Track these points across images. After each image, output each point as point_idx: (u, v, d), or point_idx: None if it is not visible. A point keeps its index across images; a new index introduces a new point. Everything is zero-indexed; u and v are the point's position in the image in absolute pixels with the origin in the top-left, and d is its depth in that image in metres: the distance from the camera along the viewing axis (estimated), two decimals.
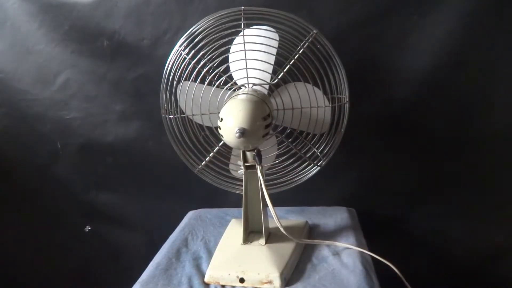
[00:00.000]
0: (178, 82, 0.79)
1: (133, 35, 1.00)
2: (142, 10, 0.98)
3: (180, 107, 0.80)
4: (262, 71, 0.74)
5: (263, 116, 0.66)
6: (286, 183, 0.83)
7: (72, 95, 1.07)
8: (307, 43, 0.74)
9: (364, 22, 0.92)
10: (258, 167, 0.68)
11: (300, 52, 0.74)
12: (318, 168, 0.82)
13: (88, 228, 1.20)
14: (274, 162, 0.83)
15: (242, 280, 0.72)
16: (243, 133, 0.63)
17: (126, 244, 1.20)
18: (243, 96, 0.70)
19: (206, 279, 0.75)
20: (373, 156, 1.02)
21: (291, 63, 0.75)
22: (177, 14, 0.97)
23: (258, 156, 0.69)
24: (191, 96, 0.77)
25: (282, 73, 0.75)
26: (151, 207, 1.16)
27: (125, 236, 1.20)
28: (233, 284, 0.73)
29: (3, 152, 1.16)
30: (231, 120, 0.65)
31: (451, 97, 0.95)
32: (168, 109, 0.81)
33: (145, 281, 0.75)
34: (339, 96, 0.78)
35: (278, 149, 0.82)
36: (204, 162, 0.83)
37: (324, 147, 0.80)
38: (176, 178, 1.11)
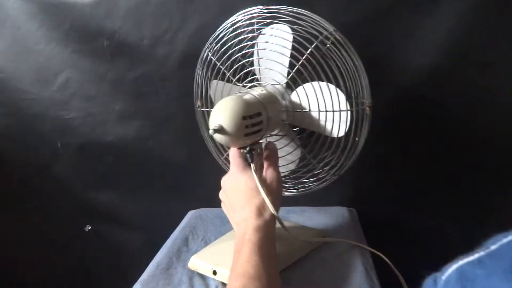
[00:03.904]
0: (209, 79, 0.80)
1: (133, 35, 1.00)
2: (142, 10, 0.98)
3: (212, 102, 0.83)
4: (276, 71, 0.73)
5: (243, 115, 0.63)
6: (299, 190, 0.83)
7: (72, 94, 1.07)
8: (325, 42, 0.70)
9: (365, 22, 0.92)
10: (252, 166, 0.67)
11: (310, 51, 0.69)
12: (335, 177, 0.79)
13: (88, 227, 1.20)
14: (290, 169, 0.82)
15: (214, 273, 0.74)
16: (217, 130, 0.62)
17: (126, 243, 1.20)
18: (235, 95, 0.69)
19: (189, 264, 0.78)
20: (373, 156, 1.02)
21: (299, 63, 0.70)
22: (177, 14, 0.97)
23: (250, 154, 0.68)
24: (220, 93, 0.79)
25: (295, 74, 0.71)
26: (151, 207, 1.16)
27: (125, 235, 1.20)
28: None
29: (3, 152, 1.16)
30: (212, 116, 0.64)
31: (452, 97, 0.95)
32: (203, 104, 0.83)
33: (146, 280, 0.75)
34: (362, 100, 0.74)
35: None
36: (224, 155, 0.84)
37: (340, 156, 0.76)
38: (176, 178, 1.12)
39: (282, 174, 0.81)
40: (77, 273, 1.25)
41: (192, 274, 0.76)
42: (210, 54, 0.78)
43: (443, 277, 0.34)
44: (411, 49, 0.93)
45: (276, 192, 0.66)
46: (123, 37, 1.00)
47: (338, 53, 0.71)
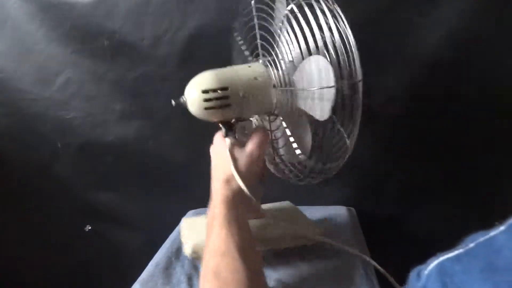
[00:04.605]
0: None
1: (133, 35, 1.00)
2: (142, 10, 0.98)
3: None
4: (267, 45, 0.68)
5: (204, 89, 0.62)
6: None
7: (72, 94, 1.07)
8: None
9: (364, 22, 0.92)
10: (226, 140, 0.64)
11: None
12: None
13: (88, 227, 1.20)
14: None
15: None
16: (177, 102, 0.62)
17: (126, 243, 1.21)
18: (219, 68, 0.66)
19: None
20: (373, 156, 1.03)
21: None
22: (177, 14, 0.97)
23: (225, 128, 0.65)
24: None
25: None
26: (151, 207, 1.16)
27: (125, 235, 1.20)
28: None
29: (3, 152, 1.16)
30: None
31: (452, 98, 0.95)
32: None
33: (145, 280, 0.75)
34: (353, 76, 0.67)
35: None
36: None
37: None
38: (175, 178, 1.12)
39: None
40: (77, 273, 1.25)
41: (191, 273, 0.76)
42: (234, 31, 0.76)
43: (425, 272, 0.35)
44: (410, 49, 0.93)
45: (248, 165, 0.62)
46: (123, 37, 1.00)
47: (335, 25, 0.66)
